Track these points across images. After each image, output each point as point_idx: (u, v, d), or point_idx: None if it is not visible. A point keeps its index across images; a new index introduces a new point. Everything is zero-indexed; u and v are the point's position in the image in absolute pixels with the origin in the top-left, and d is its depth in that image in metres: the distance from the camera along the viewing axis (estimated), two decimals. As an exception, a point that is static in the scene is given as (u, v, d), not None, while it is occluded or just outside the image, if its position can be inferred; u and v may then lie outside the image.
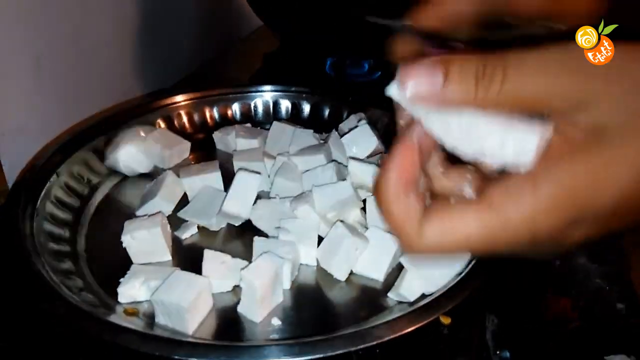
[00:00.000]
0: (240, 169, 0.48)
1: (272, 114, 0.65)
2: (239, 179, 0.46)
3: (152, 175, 0.54)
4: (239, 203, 0.45)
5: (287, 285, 0.43)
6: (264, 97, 0.66)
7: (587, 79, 0.24)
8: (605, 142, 0.24)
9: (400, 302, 0.43)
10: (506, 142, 0.25)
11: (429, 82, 0.24)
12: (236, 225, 0.47)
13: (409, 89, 0.24)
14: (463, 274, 0.42)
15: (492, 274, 0.43)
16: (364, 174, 0.49)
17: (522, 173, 0.25)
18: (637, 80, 0.24)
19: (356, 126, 0.55)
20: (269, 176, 0.54)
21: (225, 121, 0.64)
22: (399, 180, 0.26)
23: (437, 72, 0.24)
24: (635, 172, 0.24)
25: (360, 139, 0.52)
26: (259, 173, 0.48)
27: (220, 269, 0.42)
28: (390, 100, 0.26)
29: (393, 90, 0.25)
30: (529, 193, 0.24)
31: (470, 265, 0.43)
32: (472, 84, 0.24)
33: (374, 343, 0.36)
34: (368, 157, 0.53)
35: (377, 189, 0.27)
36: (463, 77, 0.24)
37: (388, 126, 0.61)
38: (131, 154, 0.53)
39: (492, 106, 0.25)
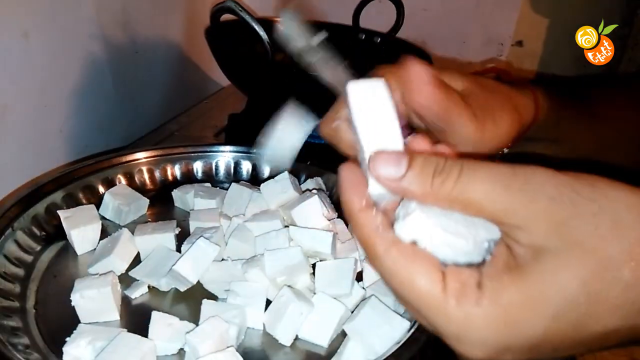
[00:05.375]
0: (202, 236, 0.49)
1: (233, 174, 0.68)
2: (198, 246, 0.48)
3: (108, 231, 0.55)
4: (191, 267, 0.46)
5: (232, 349, 0.44)
6: (225, 157, 0.68)
7: (528, 203, 0.26)
8: (542, 264, 0.25)
9: (342, 371, 0.44)
10: None
11: (394, 169, 0.27)
12: (182, 290, 0.48)
13: (377, 171, 0.28)
14: (402, 342, 0.44)
15: (431, 339, 0.45)
16: (308, 240, 0.50)
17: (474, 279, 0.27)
18: (577, 212, 0.25)
19: (308, 190, 0.57)
20: (223, 236, 0.55)
21: (186, 179, 0.66)
22: (360, 195, 0.29)
23: (403, 161, 0.28)
24: (561, 300, 0.25)
25: (308, 212, 0.54)
26: (218, 245, 0.49)
27: (166, 332, 0.43)
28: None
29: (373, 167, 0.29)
30: (473, 303, 0.26)
31: (410, 333, 0.45)
32: (430, 177, 0.27)
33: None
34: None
35: (344, 208, 0.30)
36: (423, 169, 0.27)
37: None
38: (84, 234, 0.53)
39: (443, 202, 0.27)
